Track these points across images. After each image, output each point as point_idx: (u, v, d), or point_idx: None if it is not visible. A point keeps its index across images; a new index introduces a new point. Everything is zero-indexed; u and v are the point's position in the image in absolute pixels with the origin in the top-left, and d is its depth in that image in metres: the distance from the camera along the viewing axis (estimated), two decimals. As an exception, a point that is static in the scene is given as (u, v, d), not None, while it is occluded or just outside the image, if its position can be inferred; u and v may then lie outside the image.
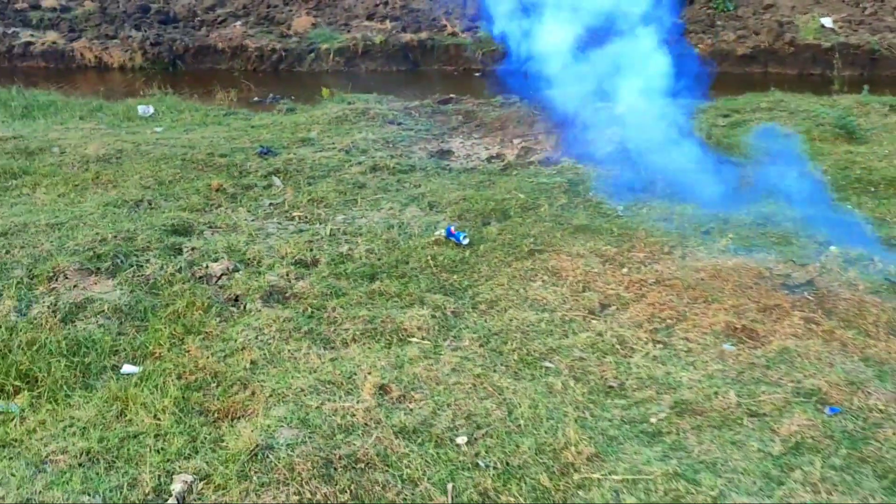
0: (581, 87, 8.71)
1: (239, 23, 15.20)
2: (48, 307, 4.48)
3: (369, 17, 15.42)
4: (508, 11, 8.40)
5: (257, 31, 14.87)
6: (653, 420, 3.52)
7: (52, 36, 14.60)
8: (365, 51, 14.44)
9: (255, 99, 11.61)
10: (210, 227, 5.81)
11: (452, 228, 5.66)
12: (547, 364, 4.01)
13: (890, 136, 8.70)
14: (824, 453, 3.26)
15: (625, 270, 5.11)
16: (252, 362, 3.94)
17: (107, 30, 14.81)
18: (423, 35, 14.87)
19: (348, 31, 14.88)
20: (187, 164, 7.22)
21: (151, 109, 9.86)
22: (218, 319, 4.45)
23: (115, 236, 5.38)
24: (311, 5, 15.67)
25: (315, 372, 3.82)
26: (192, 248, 5.35)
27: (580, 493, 3.04)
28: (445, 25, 15.30)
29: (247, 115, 9.75)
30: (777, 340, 4.16)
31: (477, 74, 14.66)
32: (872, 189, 6.73)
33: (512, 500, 3.00)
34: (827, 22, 17.57)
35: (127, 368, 3.97)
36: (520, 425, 3.44)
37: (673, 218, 6.06)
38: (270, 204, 6.38)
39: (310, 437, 3.26)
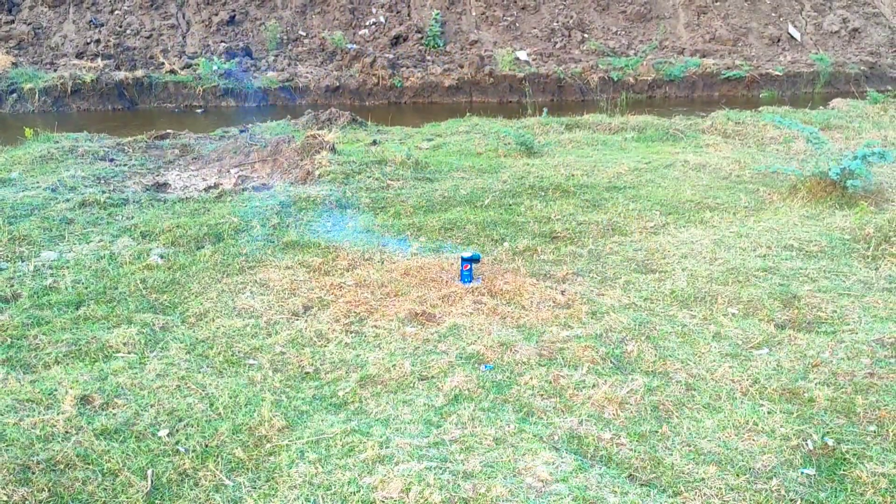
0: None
1: (-77, 62, 13.94)
2: None
3: (79, 56, 14.86)
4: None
5: (-54, 71, 13.75)
6: (340, 394, 4.06)
7: None
8: (75, 90, 13.90)
9: (-54, 144, 10.74)
10: None
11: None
12: (250, 361, 4.41)
13: (563, 149, 10.23)
14: (477, 399, 3.99)
15: (328, 277, 5.65)
16: (-58, 394, 3.90)
17: None
18: (139, 73, 14.62)
19: (55, 70, 14.23)
20: None
21: None
22: None
23: None
24: (11, 44, 14.75)
25: (14, 394, 3.88)
26: None
27: (271, 458, 3.47)
28: (163, 63, 15.16)
29: (-66, 160, 9.04)
30: (450, 319, 4.91)
31: (199, 111, 14.70)
32: (542, 193, 7.92)
33: (209, 474, 3.35)
34: (522, 55, 19.86)
35: None
36: (219, 413, 3.80)
37: (374, 229, 6.75)
38: (-36, 246, 6.12)
39: (6, 450, 3.37)
